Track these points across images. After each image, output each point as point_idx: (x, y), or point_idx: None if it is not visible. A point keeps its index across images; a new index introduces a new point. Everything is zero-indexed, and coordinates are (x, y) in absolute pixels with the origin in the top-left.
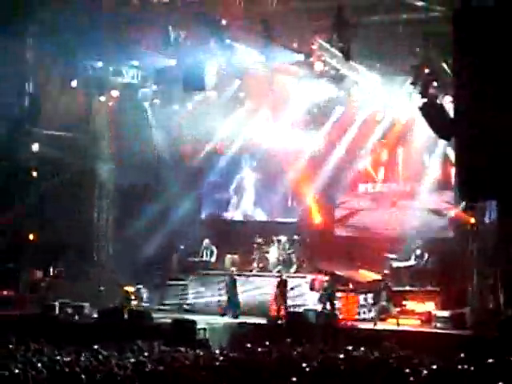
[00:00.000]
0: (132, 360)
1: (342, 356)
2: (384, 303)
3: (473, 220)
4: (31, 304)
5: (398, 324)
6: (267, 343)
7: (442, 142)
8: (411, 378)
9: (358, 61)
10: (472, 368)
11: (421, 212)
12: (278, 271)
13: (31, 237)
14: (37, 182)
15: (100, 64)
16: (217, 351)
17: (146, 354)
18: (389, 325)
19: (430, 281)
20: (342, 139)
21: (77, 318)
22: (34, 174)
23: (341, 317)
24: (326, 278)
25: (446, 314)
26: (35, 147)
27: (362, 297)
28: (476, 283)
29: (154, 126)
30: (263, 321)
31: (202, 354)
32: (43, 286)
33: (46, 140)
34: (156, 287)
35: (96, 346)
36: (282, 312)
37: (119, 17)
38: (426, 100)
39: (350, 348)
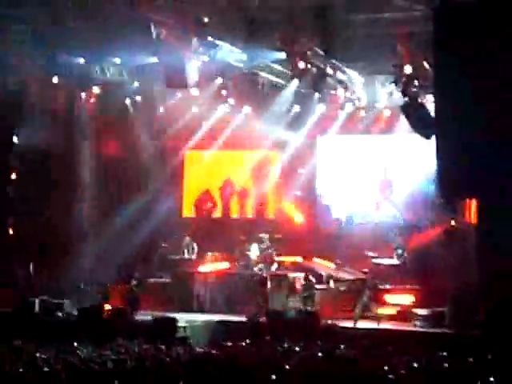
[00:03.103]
0: (112, 357)
1: (321, 354)
2: (365, 299)
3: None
4: (11, 301)
5: (379, 322)
6: (247, 341)
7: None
8: (391, 377)
9: (340, 59)
10: (452, 367)
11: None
12: (259, 269)
13: (11, 233)
14: (18, 179)
15: (82, 61)
16: (197, 349)
17: (126, 351)
18: (369, 323)
19: (409, 279)
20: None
21: (57, 315)
22: (15, 171)
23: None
24: (307, 276)
25: (425, 312)
26: (15, 144)
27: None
28: (456, 282)
29: (135, 122)
30: (243, 319)
31: (182, 351)
32: (23, 283)
33: (27, 138)
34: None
35: (76, 344)
36: (263, 310)
37: (101, 13)
38: (407, 99)
39: (330, 346)
